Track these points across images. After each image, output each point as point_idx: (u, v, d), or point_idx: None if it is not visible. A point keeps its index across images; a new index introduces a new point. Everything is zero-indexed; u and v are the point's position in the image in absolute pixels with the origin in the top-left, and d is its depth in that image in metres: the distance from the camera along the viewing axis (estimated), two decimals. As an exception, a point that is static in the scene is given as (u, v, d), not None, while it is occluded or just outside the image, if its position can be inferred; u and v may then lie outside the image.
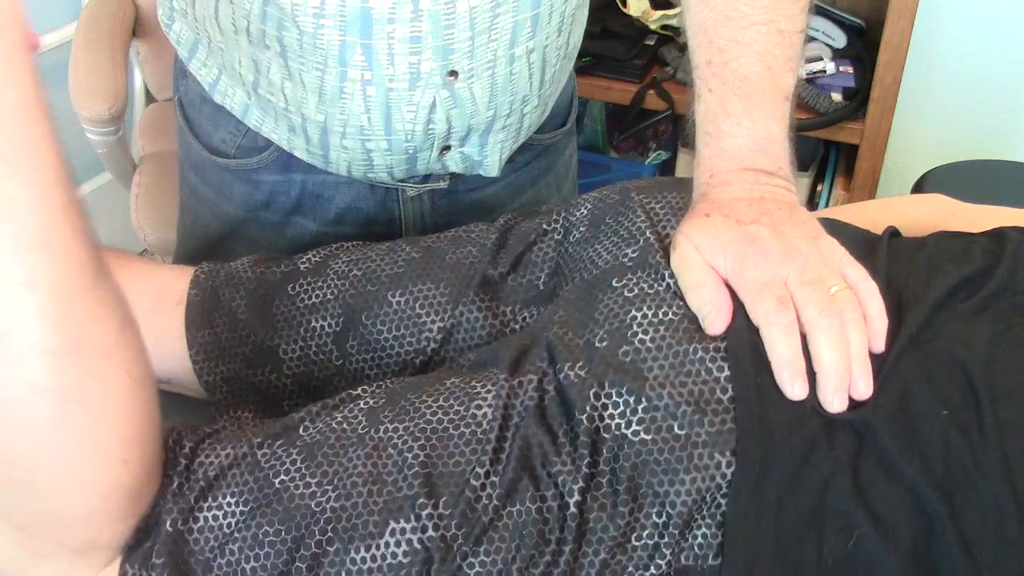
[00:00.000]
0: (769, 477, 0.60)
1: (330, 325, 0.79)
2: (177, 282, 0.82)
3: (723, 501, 0.60)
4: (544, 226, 0.81)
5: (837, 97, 1.80)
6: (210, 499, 0.63)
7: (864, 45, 1.83)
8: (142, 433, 0.59)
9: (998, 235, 0.74)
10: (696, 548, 0.61)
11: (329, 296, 0.79)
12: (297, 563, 0.61)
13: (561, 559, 0.60)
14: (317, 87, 0.81)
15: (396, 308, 0.78)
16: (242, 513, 0.62)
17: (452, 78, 0.80)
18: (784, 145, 0.75)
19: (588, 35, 1.82)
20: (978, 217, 0.81)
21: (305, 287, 0.80)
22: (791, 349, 0.63)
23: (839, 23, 1.84)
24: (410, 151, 0.86)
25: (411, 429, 0.64)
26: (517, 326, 0.79)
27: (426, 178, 0.93)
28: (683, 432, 0.61)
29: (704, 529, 0.61)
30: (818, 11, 1.86)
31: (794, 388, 0.62)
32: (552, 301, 0.77)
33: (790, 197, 0.73)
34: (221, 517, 0.62)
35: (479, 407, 0.64)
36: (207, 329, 0.80)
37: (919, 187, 1.60)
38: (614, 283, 0.70)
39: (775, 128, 0.75)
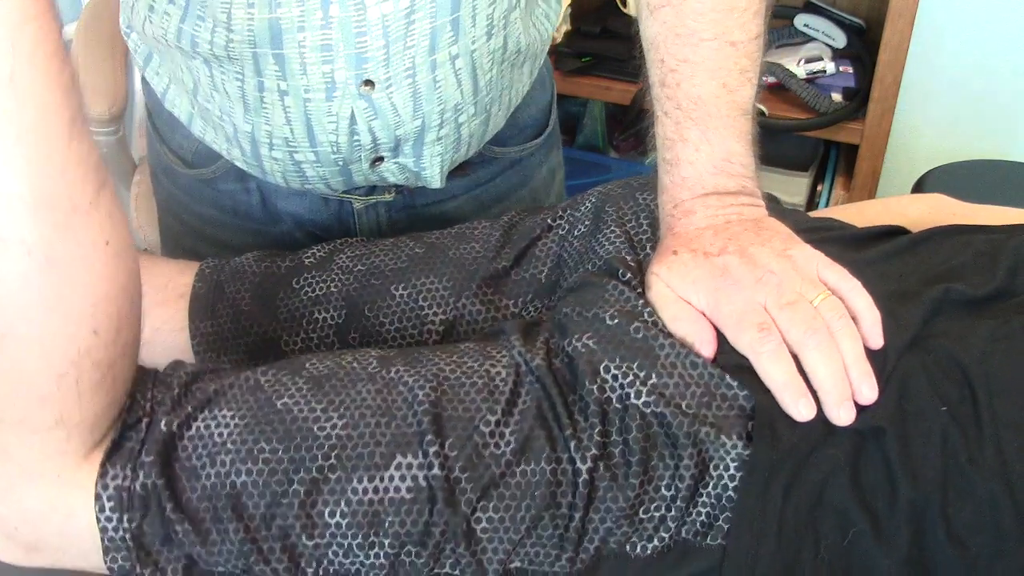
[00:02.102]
0: (776, 477, 0.60)
1: (332, 317, 0.79)
2: (181, 276, 0.82)
3: (729, 483, 0.60)
4: (548, 221, 0.81)
5: (837, 97, 1.80)
6: (206, 411, 0.62)
7: (864, 45, 1.83)
8: (117, 305, 0.57)
9: (997, 234, 0.74)
10: (698, 525, 0.60)
11: (332, 289, 0.79)
12: (295, 485, 0.59)
13: (571, 524, 0.60)
14: (240, 97, 0.80)
15: (399, 301, 0.78)
16: (237, 427, 0.61)
17: (368, 88, 0.78)
18: (747, 161, 0.74)
19: (588, 35, 1.84)
20: (978, 217, 0.81)
21: (309, 280, 0.80)
22: (785, 372, 0.63)
23: (839, 23, 1.84)
24: (340, 163, 0.84)
25: (423, 374, 0.63)
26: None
27: (371, 190, 0.92)
28: (691, 411, 0.61)
29: (707, 508, 0.60)
30: (818, 11, 1.86)
31: (799, 410, 0.62)
32: (555, 294, 0.77)
33: (756, 212, 0.72)
34: (215, 427, 0.61)
35: (493, 366, 0.64)
36: (210, 320, 0.80)
37: (919, 187, 1.60)
38: (620, 274, 0.70)
39: (735, 146, 0.73)
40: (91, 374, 0.57)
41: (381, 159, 0.85)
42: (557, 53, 1.89)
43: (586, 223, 0.79)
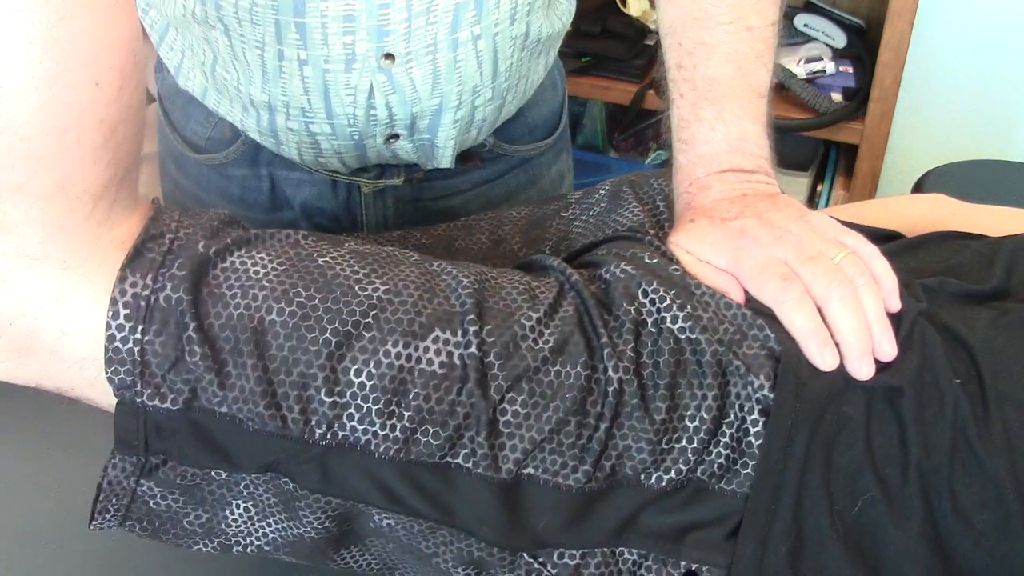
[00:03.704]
0: (799, 430, 0.59)
1: None
2: None
3: (751, 428, 0.59)
4: (561, 212, 0.81)
5: (837, 97, 1.80)
6: (243, 250, 0.59)
7: (864, 45, 1.83)
8: (120, 56, 0.54)
9: (992, 238, 0.74)
10: (715, 467, 0.60)
11: None
12: (327, 335, 0.57)
13: (594, 435, 0.59)
14: (260, 65, 0.80)
15: None
16: (275, 269, 0.58)
17: (388, 61, 0.78)
18: (762, 142, 0.74)
19: (588, 35, 1.84)
20: (978, 217, 0.81)
21: None
22: (810, 320, 0.62)
23: (839, 23, 1.84)
24: (355, 137, 0.84)
25: (466, 271, 0.62)
26: None
27: (381, 173, 0.92)
28: (725, 342, 0.61)
29: (727, 451, 0.60)
30: (818, 11, 1.86)
31: (824, 358, 0.61)
32: None
33: (771, 189, 0.73)
34: (251, 264, 0.58)
35: (535, 280, 0.64)
36: None
37: (919, 187, 1.60)
38: (647, 240, 0.70)
39: (750, 127, 0.74)
40: (93, 133, 0.54)
41: (396, 136, 0.85)
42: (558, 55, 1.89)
43: (603, 204, 0.79)
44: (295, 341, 0.56)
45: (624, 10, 1.86)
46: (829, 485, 0.59)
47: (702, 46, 0.75)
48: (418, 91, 0.81)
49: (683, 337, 0.61)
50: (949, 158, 1.67)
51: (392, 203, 0.95)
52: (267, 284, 0.57)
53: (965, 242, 0.74)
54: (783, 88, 1.80)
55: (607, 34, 1.85)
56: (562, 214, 0.81)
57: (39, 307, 0.55)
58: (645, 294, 0.63)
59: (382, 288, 0.58)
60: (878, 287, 0.64)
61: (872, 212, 0.86)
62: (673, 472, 0.59)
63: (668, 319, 0.61)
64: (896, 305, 0.64)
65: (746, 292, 0.65)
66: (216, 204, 0.96)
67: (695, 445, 0.59)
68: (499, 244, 0.80)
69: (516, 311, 0.60)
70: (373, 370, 0.56)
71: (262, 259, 0.59)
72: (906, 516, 0.58)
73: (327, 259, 0.59)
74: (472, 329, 0.58)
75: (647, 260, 0.65)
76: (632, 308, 0.62)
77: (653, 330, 0.61)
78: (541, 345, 0.59)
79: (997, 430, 0.59)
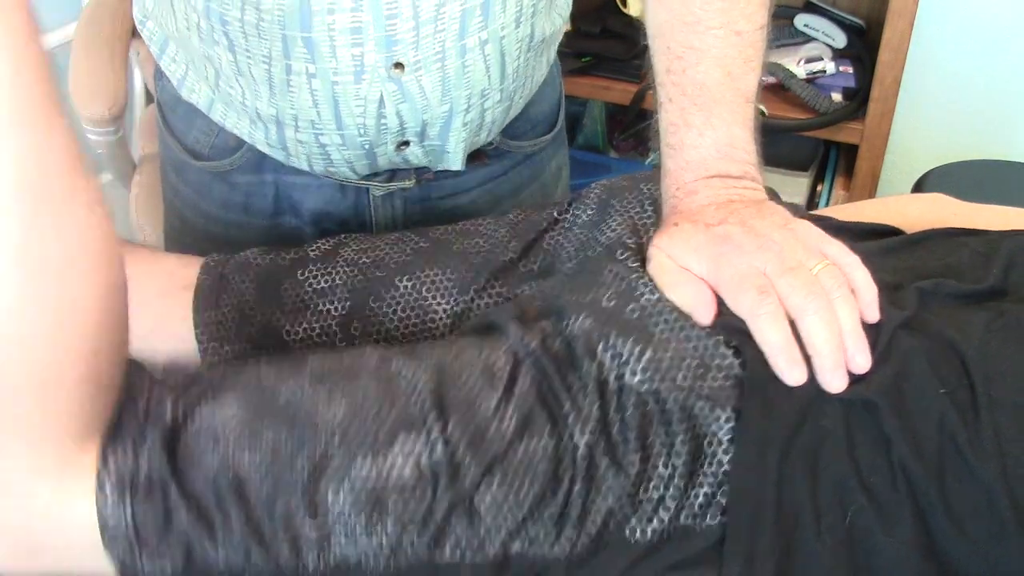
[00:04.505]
0: (771, 447, 0.60)
1: (336, 308, 0.79)
2: (185, 268, 0.83)
3: (724, 457, 0.60)
4: (555, 215, 0.81)
5: (837, 97, 1.80)
6: (210, 400, 0.61)
7: (864, 45, 1.83)
8: (103, 305, 0.56)
9: (992, 237, 0.74)
10: (696, 507, 0.60)
11: (337, 281, 0.79)
12: (298, 468, 0.59)
13: (573, 502, 0.59)
14: (267, 80, 0.81)
15: (403, 292, 0.79)
16: (239, 413, 0.61)
17: (398, 71, 0.79)
18: (749, 148, 0.74)
19: (588, 35, 1.84)
20: (978, 217, 0.81)
21: (313, 272, 0.80)
22: (781, 335, 0.63)
23: (839, 23, 1.84)
24: (366, 146, 0.85)
25: (423, 366, 0.63)
26: None
27: (392, 176, 0.92)
28: (687, 383, 0.61)
29: (706, 488, 0.60)
30: (818, 11, 1.86)
31: (792, 374, 0.62)
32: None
33: (758, 195, 0.73)
34: (218, 414, 0.61)
35: (491, 354, 0.64)
36: (214, 310, 0.80)
37: (919, 187, 1.60)
38: (618, 255, 0.70)
39: (739, 132, 0.74)
40: (81, 380, 0.57)
41: (407, 143, 0.86)
42: (557, 53, 1.89)
43: (589, 212, 0.79)
44: (271, 483, 0.59)
45: (624, 10, 1.86)
46: (816, 498, 0.59)
47: (691, 50, 0.75)
48: (428, 98, 0.81)
49: (643, 389, 0.61)
50: (949, 158, 1.67)
51: (401, 204, 0.95)
52: (234, 433, 0.60)
53: (964, 240, 0.74)
54: (783, 88, 1.80)
55: (607, 34, 1.85)
56: (556, 217, 0.81)
57: (40, 513, 0.59)
58: (605, 349, 0.63)
59: (342, 410, 0.60)
60: (856, 298, 0.65)
61: (872, 212, 0.86)
62: (655, 522, 0.60)
63: (626, 374, 0.62)
64: (874, 316, 0.64)
65: (720, 303, 0.65)
66: (217, 213, 0.96)
67: (671, 492, 0.60)
68: (495, 249, 0.80)
69: (477, 396, 0.61)
70: (348, 490, 0.58)
71: (227, 406, 0.61)
72: (896, 523, 0.58)
73: (288, 395, 0.62)
74: (435, 428, 0.59)
75: (604, 304, 0.65)
76: (594, 366, 0.62)
77: (615, 386, 0.62)
78: (506, 426, 0.60)
79: (988, 435, 0.59)
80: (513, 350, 0.64)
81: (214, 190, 0.96)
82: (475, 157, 0.94)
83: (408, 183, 0.93)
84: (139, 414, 0.61)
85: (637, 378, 0.62)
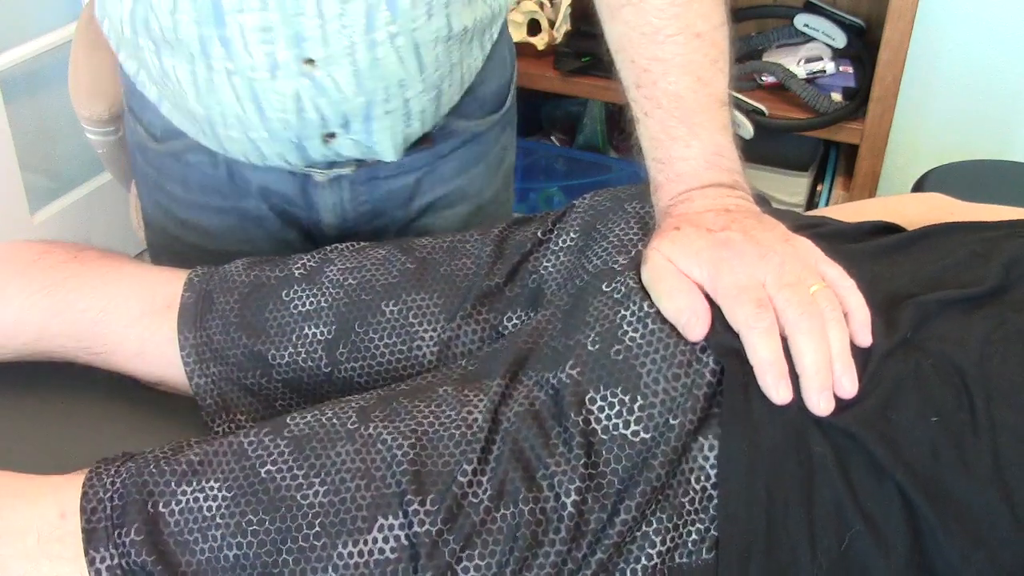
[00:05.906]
0: (757, 474, 0.60)
1: (322, 333, 0.79)
2: (168, 286, 0.83)
3: (714, 492, 0.60)
4: (539, 235, 0.81)
5: (837, 97, 1.80)
6: (193, 483, 0.63)
7: (864, 45, 1.83)
8: None
9: (992, 231, 0.74)
10: (690, 544, 0.61)
11: (323, 304, 0.79)
12: (283, 555, 0.60)
13: (557, 560, 0.60)
14: (192, 80, 0.83)
15: (389, 317, 0.78)
16: (224, 499, 0.62)
17: (309, 66, 0.81)
18: (732, 156, 0.74)
19: (588, 35, 1.84)
20: (978, 217, 0.80)
21: (299, 293, 0.80)
22: (772, 352, 0.63)
23: (839, 23, 1.84)
24: (293, 140, 0.87)
25: (401, 429, 0.64)
26: None
27: (331, 164, 0.93)
28: (677, 421, 0.62)
29: (699, 524, 0.61)
30: (818, 11, 1.86)
31: (779, 392, 0.62)
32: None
33: (753, 207, 0.73)
34: (203, 500, 0.62)
35: (470, 412, 0.64)
36: (199, 331, 0.80)
37: (919, 187, 1.60)
38: (603, 287, 0.69)
39: (721, 139, 0.74)
40: None
41: (333, 135, 0.87)
42: (557, 53, 1.89)
43: (573, 236, 0.79)
44: (260, 569, 0.61)
45: (624, 10, 1.86)
46: (812, 524, 0.59)
47: (656, 61, 0.74)
48: (343, 91, 0.83)
49: (638, 440, 0.61)
50: (949, 158, 1.67)
51: (348, 185, 0.96)
52: (220, 521, 0.62)
53: (963, 237, 0.74)
54: (783, 88, 1.81)
55: (607, 34, 1.85)
56: (540, 238, 0.81)
57: None
58: (593, 401, 0.63)
59: (321, 491, 0.62)
60: (849, 321, 0.65)
61: (871, 211, 0.86)
62: (644, 559, 0.60)
63: (620, 425, 0.62)
64: (866, 340, 0.64)
65: (713, 313, 0.65)
66: (177, 192, 0.99)
67: (665, 535, 0.61)
68: (481, 271, 0.80)
69: (454, 467, 0.62)
70: (333, 574, 0.60)
71: (212, 489, 0.62)
72: (893, 546, 0.58)
73: (269, 467, 0.63)
74: (412, 508, 0.60)
75: (589, 348, 0.65)
76: (580, 419, 0.62)
77: (604, 437, 0.62)
78: (481, 496, 0.61)
79: (987, 460, 0.59)
80: (493, 407, 0.64)
81: (173, 170, 0.98)
82: (420, 140, 0.95)
83: (348, 171, 0.94)
84: (107, 508, 0.62)
85: (631, 429, 0.62)
